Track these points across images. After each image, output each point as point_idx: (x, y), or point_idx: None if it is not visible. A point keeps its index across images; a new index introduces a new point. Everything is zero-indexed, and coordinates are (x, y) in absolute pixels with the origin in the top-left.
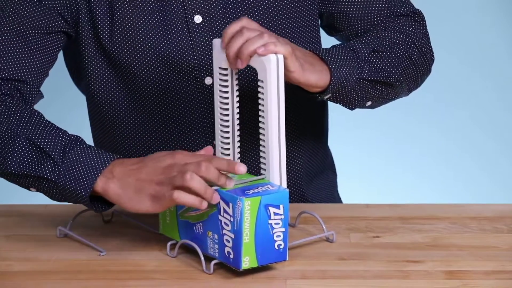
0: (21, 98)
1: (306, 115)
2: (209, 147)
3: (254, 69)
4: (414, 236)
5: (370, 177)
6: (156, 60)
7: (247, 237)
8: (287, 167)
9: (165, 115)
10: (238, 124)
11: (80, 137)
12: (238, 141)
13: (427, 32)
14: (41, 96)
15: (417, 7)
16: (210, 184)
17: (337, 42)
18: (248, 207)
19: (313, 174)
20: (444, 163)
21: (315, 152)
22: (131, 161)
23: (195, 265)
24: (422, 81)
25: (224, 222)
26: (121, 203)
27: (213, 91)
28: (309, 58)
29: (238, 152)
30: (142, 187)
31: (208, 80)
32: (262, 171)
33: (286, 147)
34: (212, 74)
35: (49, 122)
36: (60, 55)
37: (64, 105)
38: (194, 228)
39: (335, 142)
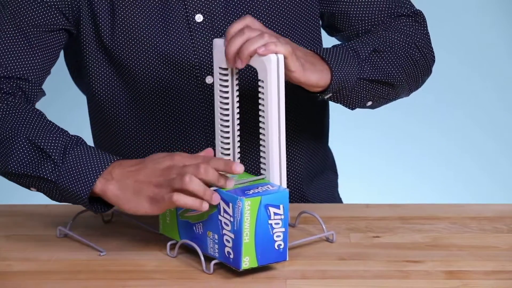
0: (23, 96)
1: (307, 115)
2: (209, 149)
3: (255, 69)
4: (414, 236)
5: (370, 177)
6: (157, 58)
7: (247, 237)
8: (287, 167)
9: (165, 114)
10: (238, 124)
11: (80, 138)
12: (238, 141)
13: (428, 32)
14: (43, 94)
15: (417, 7)
16: (210, 184)
17: (338, 43)
18: (248, 207)
19: (313, 174)
20: (444, 163)
21: (315, 152)
22: (130, 162)
23: (195, 265)
24: (423, 82)
25: (224, 222)
26: (120, 204)
27: (213, 90)
28: (310, 57)
29: (238, 152)
30: (141, 189)
31: (209, 79)
32: (262, 171)
33: (286, 147)
34: (213, 73)
35: (50, 122)
36: (61, 55)
37: (64, 105)
38: (194, 228)
39: (335, 142)
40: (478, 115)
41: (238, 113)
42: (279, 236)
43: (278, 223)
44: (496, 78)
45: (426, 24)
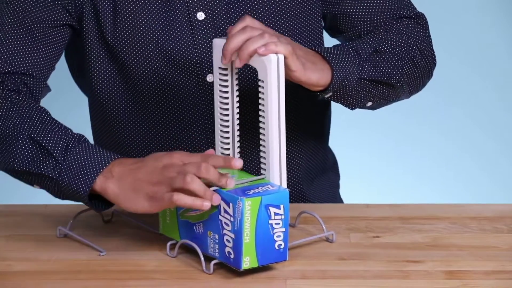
0: (28, 92)
1: (306, 115)
2: (211, 150)
3: (254, 68)
4: (414, 236)
5: (370, 177)
6: (158, 56)
7: (248, 237)
8: (287, 167)
9: (166, 112)
10: (238, 124)
11: (83, 136)
12: (238, 141)
13: (430, 35)
14: (48, 89)
15: (418, 8)
16: (211, 184)
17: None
18: (248, 207)
19: (313, 174)
20: (444, 163)
21: (315, 152)
22: (131, 161)
23: (195, 265)
24: (424, 84)
25: (225, 222)
26: (119, 202)
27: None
28: (311, 56)
29: (238, 152)
30: (140, 187)
31: (209, 78)
32: (262, 171)
33: (286, 147)
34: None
35: (53, 119)
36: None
37: (63, 105)
38: (195, 228)
39: (335, 142)
40: (478, 115)
41: (238, 113)
42: (280, 236)
43: (279, 223)
44: (496, 78)
45: (428, 27)
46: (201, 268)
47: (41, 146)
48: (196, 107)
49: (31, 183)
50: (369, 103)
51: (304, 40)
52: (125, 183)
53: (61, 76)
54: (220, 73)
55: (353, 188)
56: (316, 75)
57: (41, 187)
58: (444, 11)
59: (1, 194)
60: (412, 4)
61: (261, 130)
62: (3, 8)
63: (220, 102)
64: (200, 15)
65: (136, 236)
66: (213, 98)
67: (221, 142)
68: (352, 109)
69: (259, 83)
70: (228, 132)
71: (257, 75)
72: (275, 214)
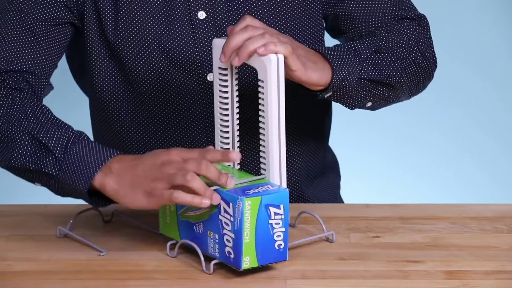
0: (30, 90)
1: (306, 116)
2: (210, 147)
3: (254, 68)
4: (414, 236)
5: (370, 177)
6: (159, 54)
7: (248, 237)
8: (286, 168)
9: (166, 110)
10: (238, 124)
11: (83, 133)
12: (238, 141)
13: (431, 37)
14: (50, 87)
15: (418, 8)
16: (211, 184)
17: None
18: (248, 207)
19: (313, 175)
20: (444, 164)
21: (315, 152)
22: (130, 157)
23: (195, 265)
24: (424, 86)
25: (225, 222)
26: (118, 198)
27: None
28: (312, 56)
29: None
30: (139, 183)
31: (210, 77)
32: (262, 171)
33: (286, 147)
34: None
35: (54, 117)
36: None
37: (63, 105)
38: (195, 228)
39: (335, 142)
40: (478, 115)
41: (238, 113)
42: (280, 236)
43: (279, 223)
44: (496, 78)
45: (429, 29)
46: (201, 268)
47: (41, 143)
48: (197, 106)
49: (32, 180)
50: (369, 103)
51: (304, 40)
52: (124, 179)
53: (61, 77)
54: (220, 73)
55: (353, 188)
56: (316, 74)
57: (42, 185)
58: (444, 11)
59: (1, 194)
60: (413, 6)
61: (261, 130)
62: (4, 6)
63: (220, 102)
64: (201, 14)
65: (136, 236)
66: (213, 97)
67: (221, 142)
68: (352, 109)
69: (259, 83)
70: (228, 132)
71: (257, 75)
72: (275, 214)
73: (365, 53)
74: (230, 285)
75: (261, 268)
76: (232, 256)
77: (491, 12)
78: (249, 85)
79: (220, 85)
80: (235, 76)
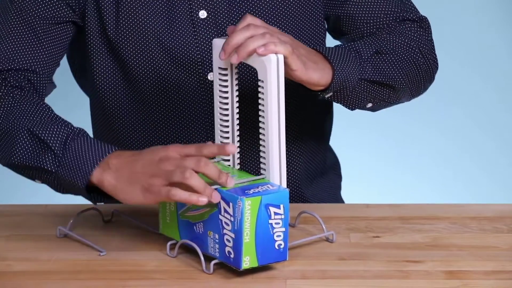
0: (31, 88)
1: (306, 116)
2: (209, 143)
3: (254, 69)
4: (414, 236)
5: (370, 177)
6: (160, 53)
7: (248, 236)
8: (286, 168)
9: (167, 109)
10: (237, 124)
11: (83, 129)
12: (238, 141)
13: (432, 39)
14: (53, 86)
15: (418, 9)
16: (211, 183)
17: None
18: (248, 206)
19: (312, 175)
20: (444, 163)
21: (315, 153)
22: (128, 153)
23: (195, 265)
24: (425, 88)
25: (225, 222)
26: (115, 194)
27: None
28: (313, 56)
29: (238, 152)
30: (136, 179)
31: (211, 76)
32: (262, 171)
33: (286, 148)
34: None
35: (54, 114)
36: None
37: (64, 105)
38: (195, 227)
39: (335, 142)
40: (478, 115)
41: (237, 113)
42: (280, 236)
43: (279, 223)
44: (496, 78)
45: (431, 31)
46: (201, 268)
47: (40, 140)
48: (197, 105)
49: (32, 177)
50: (369, 104)
51: (305, 40)
52: (121, 175)
53: (61, 76)
54: (220, 73)
55: (353, 188)
56: (317, 74)
57: (42, 182)
58: (444, 11)
59: (1, 194)
60: (415, 8)
61: (261, 130)
62: (6, 5)
63: (220, 102)
64: (202, 14)
65: (136, 236)
66: (213, 96)
67: (221, 142)
68: (352, 109)
69: (259, 83)
70: (228, 132)
71: (257, 75)
72: (275, 213)
73: (366, 54)
74: (230, 285)
75: (261, 268)
76: (232, 256)
77: (491, 12)
78: (249, 85)
79: (220, 85)
80: (235, 76)
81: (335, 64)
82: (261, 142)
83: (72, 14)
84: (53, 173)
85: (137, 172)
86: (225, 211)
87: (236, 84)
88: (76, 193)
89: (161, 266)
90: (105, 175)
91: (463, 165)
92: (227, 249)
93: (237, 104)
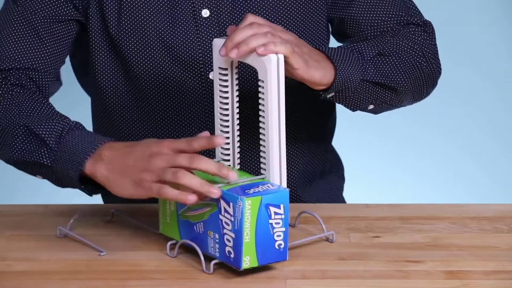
0: (34, 86)
1: (307, 117)
2: (205, 132)
3: (254, 69)
4: (414, 236)
5: (370, 178)
6: (161, 51)
7: (248, 236)
8: None
9: (168, 107)
10: (238, 124)
11: (79, 123)
12: (238, 141)
13: (436, 44)
14: (59, 84)
15: (418, 8)
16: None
17: None
18: (248, 206)
19: (311, 177)
20: (444, 164)
21: (314, 154)
22: (121, 145)
23: (195, 265)
24: (428, 93)
25: (225, 222)
26: (108, 186)
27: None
28: (315, 55)
29: (238, 152)
30: (127, 172)
31: (212, 75)
32: (262, 171)
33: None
34: None
35: (51, 110)
36: None
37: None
38: (195, 227)
39: (335, 143)
40: (478, 115)
41: (238, 113)
42: (280, 235)
43: (279, 223)
44: (496, 78)
45: (435, 36)
46: (201, 268)
47: (36, 135)
48: (198, 104)
49: (33, 173)
50: (371, 106)
51: (308, 41)
52: (113, 167)
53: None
54: (220, 73)
55: (353, 188)
56: (319, 73)
57: (43, 177)
58: (444, 11)
59: (1, 194)
60: (419, 12)
61: (261, 130)
62: (9, 5)
63: (220, 102)
64: (205, 12)
65: (136, 236)
66: (214, 96)
67: None
68: (354, 110)
69: (259, 83)
70: (228, 132)
71: (257, 75)
72: (275, 213)
73: (369, 55)
74: (230, 285)
75: (261, 268)
76: (232, 255)
77: (491, 12)
78: (249, 85)
79: (220, 84)
80: (235, 76)
81: (338, 64)
82: (261, 142)
83: (75, 12)
84: (49, 167)
85: (129, 165)
86: (225, 211)
87: (236, 84)
88: (73, 186)
89: (161, 266)
90: (98, 167)
91: (463, 165)
92: (227, 249)
93: (237, 104)
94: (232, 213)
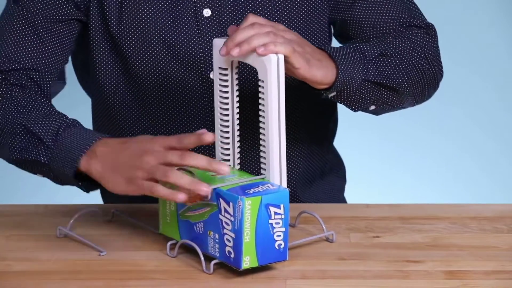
0: (34, 86)
1: (307, 117)
2: (203, 130)
3: (254, 69)
4: (414, 236)
5: (370, 178)
6: (162, 50)
7: (248, 236)
8: None
9: (168, 107)
10: (238, 124)
11: (76, 120)
12: (238, 141)
13: (438, 47)
14: (61, 83)
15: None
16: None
17: None
18: (248, 206)
19: (311, 179)
20: (444, 164)
21: (314, 155)
22: (115, 141)
23: (195, 265)
24: (429, 95)
25: (225, 222)
26: (102, 182)
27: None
28: (317, 54)
29: (238, 152)
30: (120, 168)
31: (212, 75)
32: (262, 171)
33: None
34: None
35: (49, 108)
36: None
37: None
38: (195, 227)
39: (336, 143)
40: (478, 115)
41: (238, 113)
42: (280, 235)
43: (279, 223)
44: (496, 78)
45: (437, 38)
46: (201, 268)
47: (33, 134)
48: (198, 103)
49: (33, 171)
50: (372, 107)
51: (309, 41)
52: (107, 164)
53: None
54: (220, 73)
55: (353, 188)
56: (321, 72)
57: (43, 175)
58: (444, 11)
59: (1, 194)
60: (422, 15)
61: (261, 130)
62: (10, 5)
63: (220, 102)
64: (207, 12)
65: (136, 236)
66: (214, 96)
67: (221, 142)
68: (355, 111)
69: (259, 83)
70: (228, 132)
71: (257, 75)
72: (275, 213)
73: (371, 55)
74: (230, 285)
75: (261, 268)
76: (232, 255)
77: (491, 12)
78: (249, 85)
79: (220, 84)
80: (235, 76)
81: (340, 63)
82: (261, 142)
83: (77, 11)
84: (47, 165)
85: (122, 162)
86: (225, 211)
87: (236, 84)
88: (71, 183)
89: (161, 266)
90: (92, 163)
91: (463, 165)
92: (227, 249)
93: (237, 104)
94: (232, 213)
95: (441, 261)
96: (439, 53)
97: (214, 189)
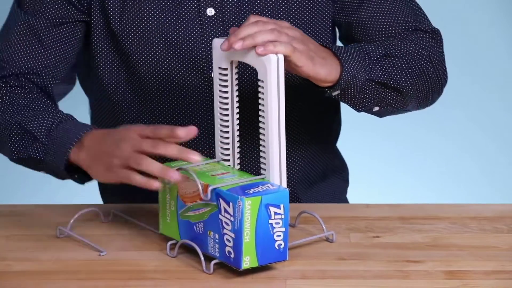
0: (35, 87)
1: (307, 118)
2: (192, 127)
3: (254, 69)
4: (414, 236)
5: (370, 178)
6: (164, 49)
7: (248, 236)
8: None
9: (170, 105)
10: (238, 124)
11: (69, 115)
12: (238, 141)
13: (443, 52)
14: (67, 85)
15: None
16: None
17: None
18: (248, 206)
19: (312, 180)
20: (444, 164)
21: (315, 157)
22: (101, 132)
23: (195, 265)
24: (433, 99)
25: (225, 222)
26: (90, 172)
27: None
28: (321, 52)
29: (238, 152)
30: (100, 157)
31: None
32: (262, 171)
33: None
34: None
35: (45, 105)
36: None
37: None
38: (195, 227)
39: (337, 144)
40: (478, 116)
41: (237, 113)
42: (280, 235)
43: (279, 223)
44: (496, 78)
45: (442, 44)
46: (201, 268)
47: (28, 132)
48: (200, 102)
49: (35, 169)
50: (376, 108)
51: (312, 37)
52: (92, 154)
53: None
54: (220, 73)
55: (354, 188)
56: (324, 69)
57: (46, 172)
58: (444, 11)
59: (1, 194)
60: (428, 19)
61: (261, 130)
62: (13, 10)
63: (220, 102)
64: (210, 11)
65: (136, 236)
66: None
67: (221, 142)
68: (359, 111)
69: (259, 83)
70: (228, 132)
71: (257, 75)
72: (275, 213)
73: (375, 55)
74: (230, 285)
75: (261, 268)
76: (232, 256)
77: (491, 12)
78: (249, 85)
79: (220, 84)
80: (235, 76)
81: (344, 61)
82: (261, 142)
83: (78, 13)
84: (43, 161)
85: (102, 150)
86: (225, 211)
87: (236, 84)
88: (66, 177)
89: (161, 266)
90: (80, 154)
91: (463, 165)
92: (227, 249)
93: (237, 104)
94: (232, 213)
95: (441, 261)
96: (444, 59)
97: (214, 189)
